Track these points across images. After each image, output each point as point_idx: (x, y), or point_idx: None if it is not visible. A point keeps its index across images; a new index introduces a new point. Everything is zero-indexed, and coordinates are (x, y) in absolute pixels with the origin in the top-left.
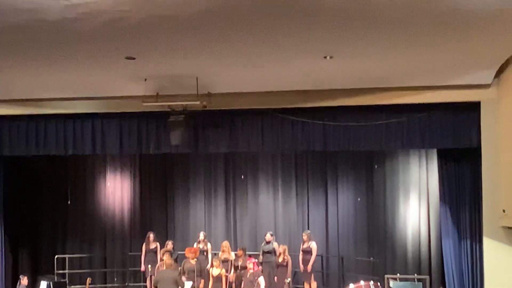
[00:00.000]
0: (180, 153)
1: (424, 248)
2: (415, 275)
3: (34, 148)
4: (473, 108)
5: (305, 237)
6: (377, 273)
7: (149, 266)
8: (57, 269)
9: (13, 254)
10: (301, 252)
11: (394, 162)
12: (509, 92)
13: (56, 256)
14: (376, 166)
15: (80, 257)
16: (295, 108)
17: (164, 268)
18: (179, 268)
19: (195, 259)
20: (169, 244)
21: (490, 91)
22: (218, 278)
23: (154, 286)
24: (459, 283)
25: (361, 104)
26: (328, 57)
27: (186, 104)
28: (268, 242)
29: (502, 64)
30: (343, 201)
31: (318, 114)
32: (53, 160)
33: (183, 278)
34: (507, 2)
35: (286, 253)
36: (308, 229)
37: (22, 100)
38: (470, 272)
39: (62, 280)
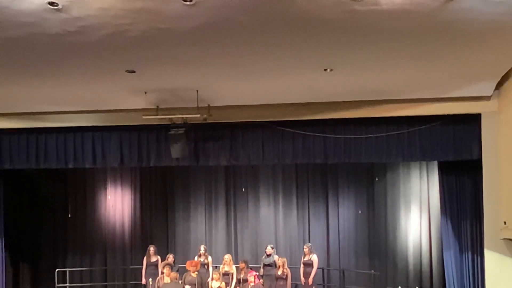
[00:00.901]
0: (181, 166)
1: (425, 261)
2: (416, 287)
3: (34, 161)
4: (474, 120)
5: (306, 250)
6: (378, 285)
7: (150, 279)
8: (57, 283)
9: (13, 267)
10: (302, 265)
11: (395, 174)
12: (510, 104)
13: (56, 270)
14: (376, 179)
15: (81, 271)
16: (295, 120)
17: (167, 281)
18: (180, 282)
19: (196, 272)
20: (170, 257)
21: (491, 103)
22: None
23: None
24: None
25: (361, 116)
26: (328, 70)
27: (187, 117)
28: (268, 255)
29: (503, 76)
30: (344, 214)
31: (319, 127)
32: (53, 173)
33: None
34: (506, 16)
35: (286, 265)
36: (309, 241)
37: (23, 113)
38: (471, 285)
39: None
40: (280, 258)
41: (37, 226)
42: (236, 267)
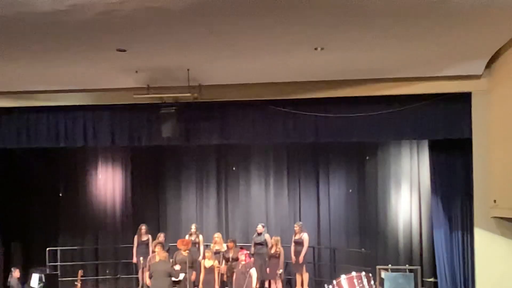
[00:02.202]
0: (172, 145)
1: (415, 239)
2: (407, 266)
3: (25, 140)
4: (465, 99)
5: (296, 229)
6: (368, 264)
7: (141, 258)
8: (48, 262)
9: (4, 247)
10: (293, 244)
11: (386, 153)
12: (500, 82)
13: (47, 249)
14: (367, 158)
15: (72, 250)
16: (286, 99)
17: (158, 260)
18: (171, 260)
19: (187, 251)
20: (161, 236)
21: (481, 81)
22: (210, 270)
23: (149, 277)
24: (450, 274)
25: (352, 95)
26: (319, 49)
27: (177, 96)
28: (259, 234)
29: (493, 55)
30: (335, 193)
31: (310, 106)
32: (44, 153)
33: (176, 268)
34: None
35: (279, 244)
36: (300, 220)
37: (13, 92)
38: (461, 263)
39: (53, 273)
40: (273, 237)
41: (28, 205)
42: (225, 245)
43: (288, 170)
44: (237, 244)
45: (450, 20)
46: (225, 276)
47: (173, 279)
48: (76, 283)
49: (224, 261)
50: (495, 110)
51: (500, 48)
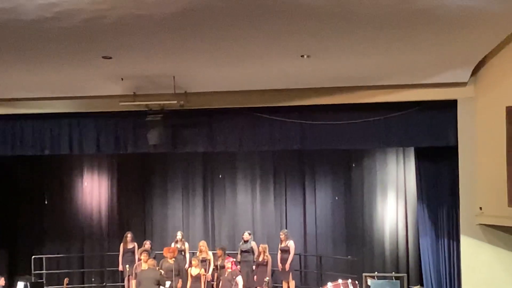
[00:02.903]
0: (158, 152)
1: (401, 246)
2: (393, 273)
3: (10, 148)
4: (450, 106)
5: (282, 236)
6: (355, 271)
7: (127, 266)
8: (34, 270)
9: None
10: (279, 251)
11: (372, 160)
12: (486, 90)
13: (33, 257)
14: (353, 165)
15: (58, 257)
16: (273, 107)
17: (145, 268)
18: (157, 268)
19: (173, 259)
20: (147, 244)
21: (467, 89)
22: (196, 278)
23: (137, 286)
24: (436, 281)
25: (338, 102)
26: (305, 56)
27: (164, 104)
28: (246, 241)
29: (479, 62)
30: (321, 200)
31: (296, 113)
32: (29, 160)
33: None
34: (482, 2)
35: (267, 252)
36: (286, 228)
37: None
38: (447, 270)
39: (39, 281)
40: (261, 245)
41: (13, 213)
42: (213, 253)
43: (274, 178)
44: (225, 252)
45: (435, 28)
46: (214, 284)
47: (161, 287)
48: None
49: (211, 269)
50: (481, 117)
51: (485, 56)
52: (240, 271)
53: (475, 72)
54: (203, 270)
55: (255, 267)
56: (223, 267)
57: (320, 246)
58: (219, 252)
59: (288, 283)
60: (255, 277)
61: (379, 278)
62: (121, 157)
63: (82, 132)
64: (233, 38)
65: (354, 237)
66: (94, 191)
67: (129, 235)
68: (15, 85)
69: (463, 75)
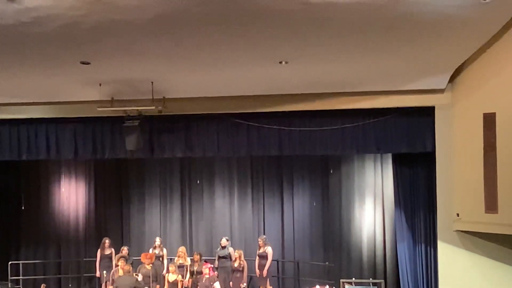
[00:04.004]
0: (136, 158)
1: (379, 252)
2: (370, 279)
3: None
4: (428, 113)
5: (260, 242)
6: (332, 277)
7: (104, 272)
8: (10, 276)
9: None
10: (257, 257)
11: (350, 166)
12: (463, 97)
13: (9, 262)
14: (331, 171)
15: (34, 263)
16: (250, 113)
17: (121, 274)
18: (134, 274)
19: (151, 265)
20: (124, 250)
21: (445, 96)
22: (174, 284)
23: None
24: (414, 287)
25: (316, 109)
26: (283, 62)
27: (142, 109)
28: (223, 247)
29: (456, 70)
30: (299, 206)
31: (274, 119)
32: (6, 165)
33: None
34: (459, 9)
35: (242, 257)
36: (264, 234)
37: None
38: (424, 276)
39: (16, 287)
40: (236, 250)
41: None
42: (190, 259)
43: (252, 183)
44: (202, 257)
45: (413, 35)
46: None
47: None
48: None
49: (188, 275)
50: (458, 124)
51: (463, 63)
52: (217, 277)
53: (452, 78)
54: (180, 276)
55: (231, 273)
56: (200, 272)
57: (298, 252)
58: (195, 257)
59: None
60: (230, 283)
61: (356, 284)
62: (98, 163)
63: (60, 137)
64: (210, 44)
65: (331, 243)
66: (71, 196)
67: (106, 241)
68: None
69: (441, 82)
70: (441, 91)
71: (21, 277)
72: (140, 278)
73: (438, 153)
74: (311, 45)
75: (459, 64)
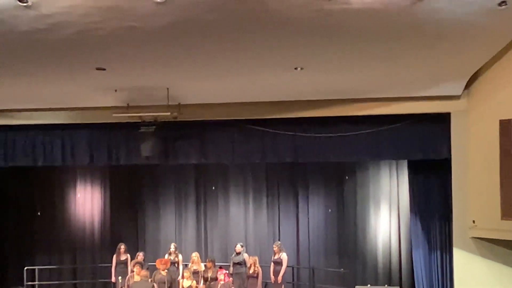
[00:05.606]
0: (151, 164)
1: (394, 259)
2: (386, 286)
3: (2, 160)
4: (444, 119)
5: (275, 248)
6: (347, 284)
7: (120, 277)
8: (26, 281)
9: None
10: (272, 263)
11: (365, 173)
12: (479, 103)
13: (25, 268)
14: (346, 178)
15: (50, 269)
16: (265, 119)
17: (137, 279)
18: (150, 280)
19: (166, 271)
20: (140, 256)
21: (460, 102)
22: None
23: None
24: None
25: (331, 115)
26: (298, 69)
27: (157, 115)
28: (238, 253)
29: (472, 76)
30: (314, 213)
31: (289, 125)
32: (21, 171)
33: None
34: (475, 16)
35: (257, 264)
36: (279, 240)
37: None
38: (440, 283)
39: None
40: (251, 257)
41: (5, 224)
42: (204, 265)
43: (267, 190)
44: (216, 263)
45: (429, 42)
46: None
47: None
48: None
49: (203, 281)
50: (474, 130)
51: (479, 69)
52: (233, 283)
53: (468, 85)
54: (194, 282)
55: (246, 280)
56: (214, 279)
57: (313, 258)
58: (208, 264)
59: None
60: None
61: None
62: (113, 169)
63: (75, 143)
64: (226, 50)
65: (347, 250)
66: (86, 202)
67: (122, 247)
68: (8, 96)
69: (457, 88)
70: (457, 97)
71: (36, 282)
72: (155, 287)
73: (454, 159)
74: (327, 52)
75: (475, 71)
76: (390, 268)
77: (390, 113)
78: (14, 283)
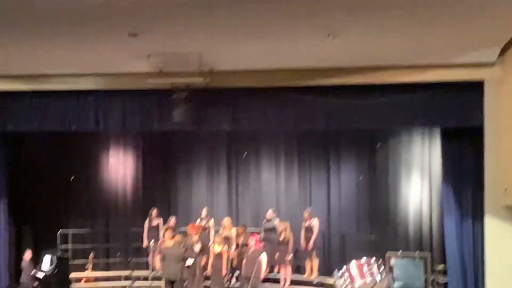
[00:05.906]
0: (183, 130)
1: (425, 226)
2: (417, 252)
3: (37, 124)
4: (477, 87)
5: (306, 215)
6: (378, 250)
7: (152, 242)
8: (60, 244)
9: (17, 229)
10: (303, 230)
11: (397, 141)
12: None
13: (59, 231)
14: (378, 145)
15: (83, 233)
16: (297, 86)
17: (169, 244)
18: (182, 245)
19: (198, 236)
20: (172, 220)
21: (494, 70)
22: (219, 255)
23: (161, 261)
24: (460, 262)
25: (364, 82)
26: (331, 35)
27: (189, 82)
28: (269, 220)
29: (507, 43)
30: (345, 179)
31: (321, 93)
32: (56, 136)
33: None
34: None
35: (288, 230)
36: (310, 206)
37: (25, 75)
38: (471, 251)
39: (65, 255)
40: (281, 223)
41: (39, 189)
42: (235, 229)
43: (299, 157)
44: (248, 229)
45: (463, 7)
46: (234, 261)
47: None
48: (86, 265)
49: (234, 246)
50: (507, 98)
51: None
52: (264, 248)
53: (503, 52)
54: (226, 247)
55: (277, 246)
56: (246, 244)
57: (344, 225)
58: (240, 230)
59: (312, 261)
60: (276, 255)
61: (402, 257)
62: (146, 134)
63: (108, 109)
64: (259, 14)
65: (377, 216)
66: (119, 167)
67: (154, 212)
68: (41, 61)
69: (491, 55)
70: (491, 64)
71: (70, 246)
72: (190, 262)
73: (486, 127)
74: (360, 18)
75: (510, 38)
76: (421, 235)
77: (423, 81)
78: (48, 247)
